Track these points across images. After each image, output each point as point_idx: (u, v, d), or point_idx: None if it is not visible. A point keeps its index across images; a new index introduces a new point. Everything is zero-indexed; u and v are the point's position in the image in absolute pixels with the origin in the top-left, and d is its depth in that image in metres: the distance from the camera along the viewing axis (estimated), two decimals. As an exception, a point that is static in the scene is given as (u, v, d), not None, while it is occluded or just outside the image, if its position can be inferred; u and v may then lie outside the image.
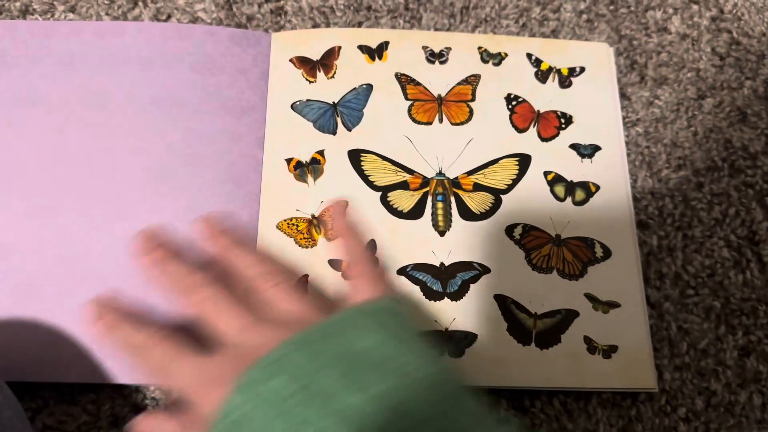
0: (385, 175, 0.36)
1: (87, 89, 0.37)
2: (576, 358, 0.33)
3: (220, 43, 0.38)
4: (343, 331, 0.26)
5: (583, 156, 0.38)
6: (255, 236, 0.35)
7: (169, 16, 0.40)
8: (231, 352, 0.28)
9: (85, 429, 0.32)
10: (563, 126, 0.38)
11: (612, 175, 0.37)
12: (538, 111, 0.39)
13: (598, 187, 0.37)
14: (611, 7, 0.42)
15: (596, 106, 0.39)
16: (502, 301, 0.34)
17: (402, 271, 0.35)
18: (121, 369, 0.32)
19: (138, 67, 0.37)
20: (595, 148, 0.38)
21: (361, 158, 0.37)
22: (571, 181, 0.37)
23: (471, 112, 0.38)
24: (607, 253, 0.36)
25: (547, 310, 0.34)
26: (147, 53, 0.37)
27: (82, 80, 0.37)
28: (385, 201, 0.36)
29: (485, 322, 0.34)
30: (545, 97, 0.39)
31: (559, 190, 0.37)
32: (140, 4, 0.40)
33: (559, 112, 0.39)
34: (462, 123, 0.38)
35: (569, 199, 0.37)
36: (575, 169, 0.37)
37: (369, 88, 0.38)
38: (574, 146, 0.38)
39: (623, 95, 0.40)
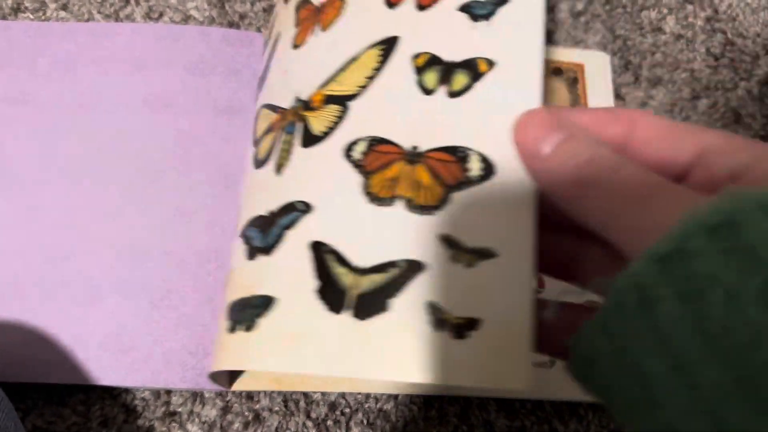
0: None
1: (79, 89, 0.36)
2: (410, 336, 0.21)
3: (213, 43, 0.38)
4: None
5: (476, 18, 0.26)
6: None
7: (161, 14, 0.40)
8: None
9: (75, 430, 0.32)
10: None
11: (520, 42, 0.25)
12: None
13: (491, 64, 0.25)
14: (606, 7, 0.42)
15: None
16: (317, 250, 0.24)
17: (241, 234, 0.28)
18: (104, 370, 0.32)
19: (130, 67, 0.37)
20: (499, 3, 0.26)
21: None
22: (450, 63, 0.25)
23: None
24: (487, 171, 0.23)
25: (378, 262, 0.23)
26: (140, 54, 0.37)
27: (74, 80, 0.36)
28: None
29: (292, 282, 0.24)
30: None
31: (430, 78, 0.25)
32: (132, 2, 0.40)
33: None
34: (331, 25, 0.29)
35: (442, 90, 0.25)
36: (460, 43, 0.26)
37: None
38: (465, 7, 0.26)
39: (617, 96, 0.40)
